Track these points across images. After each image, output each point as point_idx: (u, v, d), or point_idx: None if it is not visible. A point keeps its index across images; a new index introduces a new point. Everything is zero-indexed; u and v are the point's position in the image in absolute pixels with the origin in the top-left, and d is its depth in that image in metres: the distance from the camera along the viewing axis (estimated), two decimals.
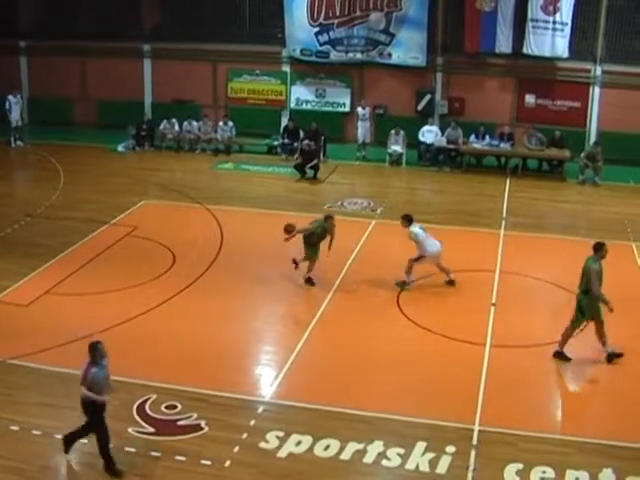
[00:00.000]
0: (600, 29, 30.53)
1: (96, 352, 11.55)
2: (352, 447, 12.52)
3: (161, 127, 32.02)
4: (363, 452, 12.45)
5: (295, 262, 19.06)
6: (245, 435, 12.76)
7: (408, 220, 18.67)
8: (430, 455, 12.38)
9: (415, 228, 18.55)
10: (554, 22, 29.75)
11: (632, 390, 14.69)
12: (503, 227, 23.44)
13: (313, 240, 18.90)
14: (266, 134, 32.34)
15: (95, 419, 11.63)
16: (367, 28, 31.79)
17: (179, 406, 13.48)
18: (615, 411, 13.97)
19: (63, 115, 34.79)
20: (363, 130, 31.24)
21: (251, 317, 17.37)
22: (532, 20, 29.98)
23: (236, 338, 16.18)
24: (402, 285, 18.62)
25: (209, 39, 33.16)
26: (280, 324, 17.21)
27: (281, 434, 12.75)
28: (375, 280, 18.60)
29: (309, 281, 18.94)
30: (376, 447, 12.56)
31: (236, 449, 12.34)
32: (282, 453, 12.36)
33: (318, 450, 12.44)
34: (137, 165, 29.69)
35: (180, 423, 13.07)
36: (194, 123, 31.97)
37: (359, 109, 31.55)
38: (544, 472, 12.03)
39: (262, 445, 12.49)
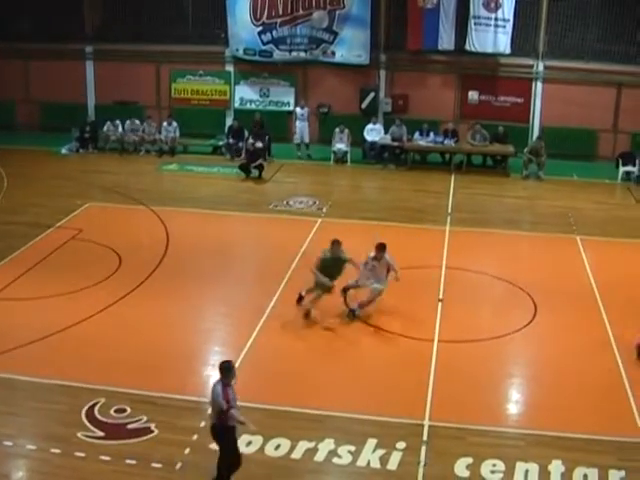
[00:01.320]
0: (542, 25, 30.87)
1: (230, 372, 11.13)
2: (303, 446, 12.51)
3: (104, 129, 31.75)
4: (314, 450, 12.44)
5: (300, 296, 17.63)
6: (196, 437, 12.69)
7: (384, 249, 17.18)
8: (381, 452, 12.41)
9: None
10: (496, 19, 30.02)
11: (577, 382, 14.84)
12: (448, 223, 23.58)
13: (327, 271, 17.02)
14: (210, 134, 32.22)
15: (232, 443, 11.35)
16: (310, 27, 31.79)
17: (128, 409, 13.37)
18: (563, 403, 14.10)
19: (6, 117, 34.27)
20: (301, 130, 31.25)
21: (198, 318, 17.30)
22: (474, 17, 30.19)
23: (184, 339, 16.10)
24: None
25: (152, 40, 32.90)
26: (228, 325, 17.12)
27: None
28: None
29: (307, 315, 17.16)
30: (327, 445, 12.56)
31: (187, 451, 12.28)
32: None
33: (269, 450, 12.41)
34: (81, 167, 29.40)
35: (130, 426, 12.97)
36: (137, 122, 31.79)
37: (297, 109, 31.59)
38: (494, 465, 12.13)
39: (213, 446, 12.40)
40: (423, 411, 13.55)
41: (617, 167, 29.64)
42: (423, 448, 12.52)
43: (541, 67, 31.23)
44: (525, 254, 22.01)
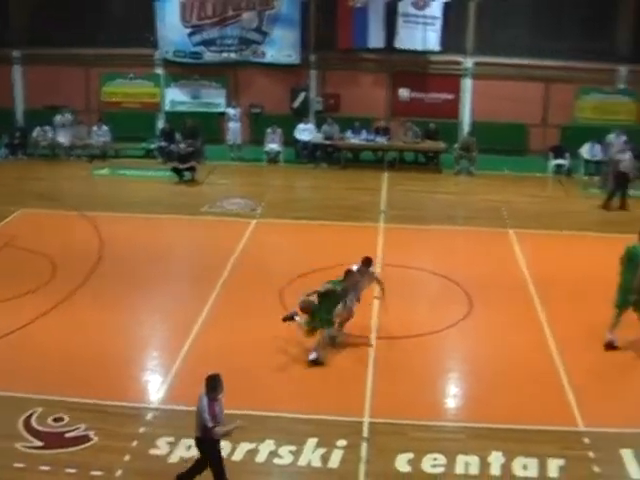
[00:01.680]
0: (470, 22, 31.17)
1: (217, 387, 10.81)
2: (244, 447, 12.45)
3: (34, 134, 31.35)
4: (255, 452, 12.40)
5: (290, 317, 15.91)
6: (135, 443, 12.58)
7: (369, 263, 16.52)
8: (321, 450, 12.39)
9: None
10: (425, 16, 30.34)
11: (515, 374, 15.01)
12: (382, 220, 23.69)
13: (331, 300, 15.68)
14: (142, 138, 31.95)
15: (217, 456, 11.10)
16: (240, 27, 31.73)
17: (66, 418, 13.19)
18: (501, 395, 14.23)
19: None
20: (234, 131, 31.20)
21: (135, 324, 17.13)
22: (403, 15, 30.43)
23: (121, 346, 15.91)
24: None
25: (81, 43, 32.49)
26: (164, 330, 16.96)
27: (171, 439, 12.59)
28: (258, 279, 18.57)
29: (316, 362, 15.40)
30: (267, 446, 12.52)
31: (127, 457, 12.17)
32: (173, 458, 12.20)
33: None
34: (12, 174, 28.95)
35: (68, 435, 12.80)
36: (68, 115, 31.55)
37: (229, 110, 31.53)
38: (435, 459, 12.20)
39: (153, 451, 12.34)
40: (363, 408, 13.58)
41: (548, 160, 30.10)
42: (364, 445, 12.55)
43: (470, 63, 31.54)
44: (460, 249, 22.17)
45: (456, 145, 29.80)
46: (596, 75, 31.44)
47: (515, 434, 12.88)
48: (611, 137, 28.68)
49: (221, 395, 10.94)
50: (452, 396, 14.65)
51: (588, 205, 26.23)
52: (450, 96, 31.86)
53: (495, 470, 12.04)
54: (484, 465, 12.13)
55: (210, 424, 10.68)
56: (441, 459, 12.22)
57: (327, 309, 15.47)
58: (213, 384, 10.84)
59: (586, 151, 29.82)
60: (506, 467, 12.07)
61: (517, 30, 31.25)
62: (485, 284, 18.77)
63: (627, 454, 12.61)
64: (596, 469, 12.21)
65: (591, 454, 12.55)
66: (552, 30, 31.07)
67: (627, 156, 26.30)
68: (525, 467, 12.07)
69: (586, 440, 12.90)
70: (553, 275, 19.56)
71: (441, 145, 30.02)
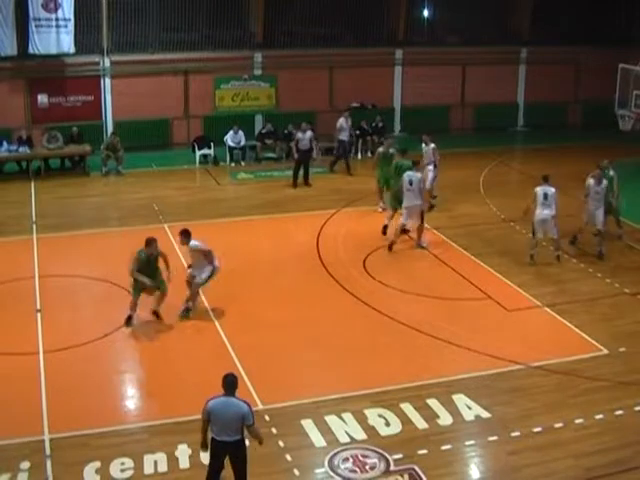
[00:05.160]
0: (104, 21, 30.96)
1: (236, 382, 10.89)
2: None
3: None
4: None
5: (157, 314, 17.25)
6: None
7: (187, 236, 17.09)
8: (5, 476, 11.90)
9: (197, 242, 17.03)
10: (57, 19, 29.79)
11: (186, 364, 15.33)
12: (35, 231, 22.99)
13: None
14: None
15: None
16: None
17: None
18: (177, 388, 14.38)
19: None
20: None
21: None
22: (34, 19, 29.67)
23: None
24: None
25: None
26: None
27: None
28: None
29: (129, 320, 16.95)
30: None
31: None
32: None
33: None
34: None
35: None
36: None
37: None
38: (123, 463, 12.15)
39: None
40: (41, 426, 13.19)
41: (194, 152, 30.71)
42: (48, 463, 12.21)
43: (107, 63, 31.41)
44: (117, 250, 21.91)
45: (102, 146, 29.53)
46: (233, 63, 32.48)
47: (195, 425, 13.03)
48: (341, 121, 29.63)
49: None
50: (129, 398, 14.62)
51: (239, 191, 26.95)
52: (90, 98, 31.57)
53: (184, 463, 12.23)
54: (172, 460, 12.26)
55: (251, 421, 10.71)
56: (129, 462, 12.21)
57: None
58: (233, 382, 10.80)
59: (230, 138, 30.67)
60: (194, 458, 12.21)
61: (150, 26, 31.59)
62: None
63: (308, 424, 13.26)
64: (281, 443, 12.69)
65: (274, 430, 13.04)
66: (183, 23, 31.66)
67: (307, 135, 27.83)
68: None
69: (267, 417, 13.36)
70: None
71: (86, 148, 29.65)
